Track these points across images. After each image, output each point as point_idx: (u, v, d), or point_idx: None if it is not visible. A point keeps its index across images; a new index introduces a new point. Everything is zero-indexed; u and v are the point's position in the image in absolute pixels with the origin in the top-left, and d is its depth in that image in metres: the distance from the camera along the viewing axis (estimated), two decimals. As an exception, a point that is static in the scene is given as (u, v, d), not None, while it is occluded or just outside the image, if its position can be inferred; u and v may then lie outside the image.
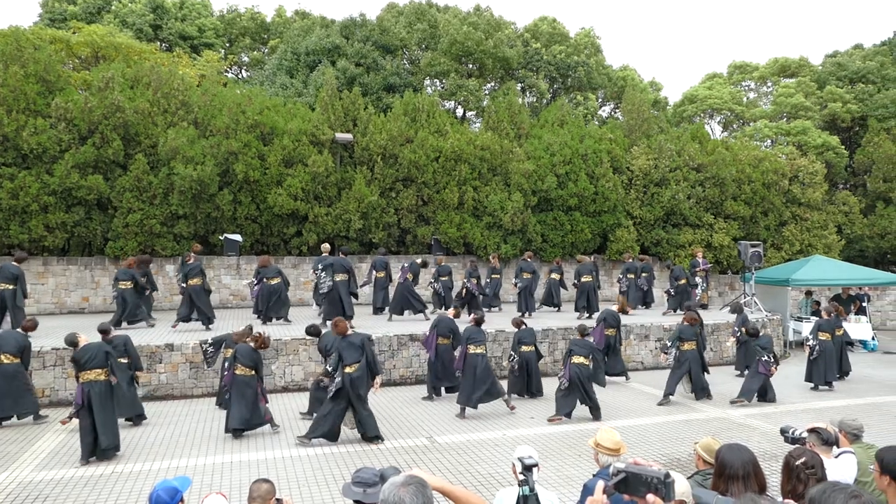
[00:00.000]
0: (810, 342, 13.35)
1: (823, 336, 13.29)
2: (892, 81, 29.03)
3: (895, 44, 32.36)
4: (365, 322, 14.56)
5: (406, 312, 15.33)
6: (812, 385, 13.28)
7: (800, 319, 18.94)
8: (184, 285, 13.35)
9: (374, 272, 15.82)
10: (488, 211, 19.11)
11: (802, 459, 3.71)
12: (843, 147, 27.22)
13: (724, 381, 13.26)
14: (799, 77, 30.87)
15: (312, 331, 10.72)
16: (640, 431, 9.82)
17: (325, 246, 15.15)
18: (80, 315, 15.73)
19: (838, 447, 4.68)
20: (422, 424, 10.08)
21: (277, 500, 4.38)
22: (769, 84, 33.03)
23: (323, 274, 13.73)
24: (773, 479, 5.08)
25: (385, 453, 8.63)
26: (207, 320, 13.34)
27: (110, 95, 16.33)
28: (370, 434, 9.00)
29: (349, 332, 9.38)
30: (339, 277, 13.67)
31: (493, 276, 17.05)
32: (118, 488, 7.31)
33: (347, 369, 8.82)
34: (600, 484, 2.11)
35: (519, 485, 3.66)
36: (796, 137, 26.90)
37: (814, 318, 17.73)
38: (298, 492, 7.21)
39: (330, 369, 9.00)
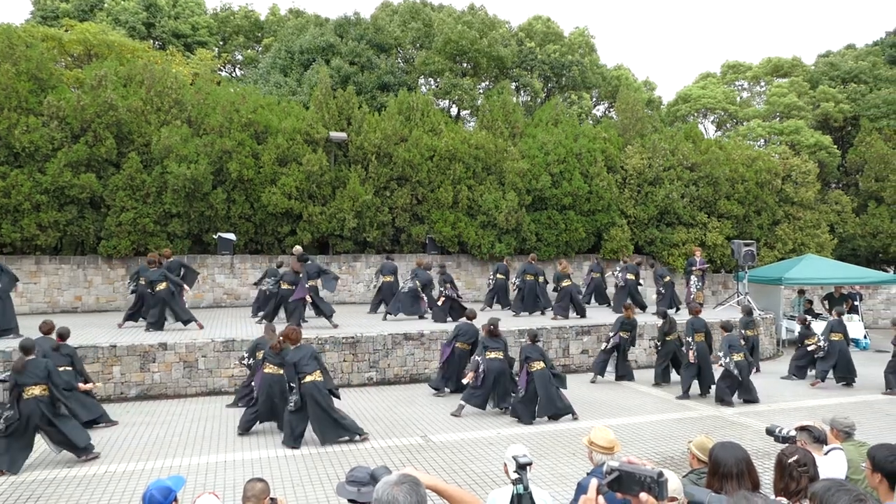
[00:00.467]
0: (821, 342, 13.67)
1: (835, 336, 13.60)
2: (884, 81, 29.19)
3: (887, 44, 32.55)
4: (357, 321, 14.55)
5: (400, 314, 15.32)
6: (811, 381, 13.54)
7: (793, 318, 19.02)
8: (150, 291, 12.99)
9: (381, 276, 15.82)
10: (483, 210, 19.12)
11: (795, 457, 3.73)
12: (835, 147, 27.35)
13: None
14: (792, 77, 30.99)
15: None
16: (634, 430, 9.84)
17: (298, 248, 15.00)
18: (72, 314, 15.65)
19: (827, 444, 4.71)
20: (416, 423, 10.08)
21: (272, 499, 4.37)
22: (762, 84, 33.14)
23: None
24: (766, 477, 5.10)
25: (380, 452, 8.62)
26: (186, 321, 13.11)
27: (103, 93, 16.25)
28: (358, 433, 8.99)
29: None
30: (311, 283, 13.71)
31: (498, 275, 17.08)
32: (111, 488, 7.28)
33: (308, 378, 8.69)
34: (594, 482, 2.11)
35: (513, 483, 3.68)
36: (789, 137, 27.02)
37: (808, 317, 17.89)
38: (293, 491, 7.20)
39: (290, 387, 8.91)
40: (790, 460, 3.72)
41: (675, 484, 3.30)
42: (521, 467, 3.65)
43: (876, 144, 25.62)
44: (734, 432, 9.64)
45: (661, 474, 2.01)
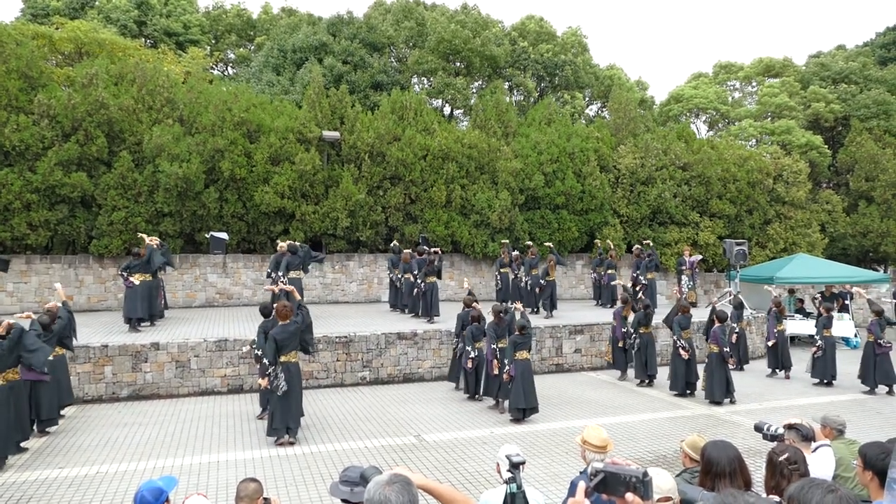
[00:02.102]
0: (818, 342, 13.71)
1: (828, 333, 13.72)
2: (874, 82, 29.40)
3: (877, 45, 32.80)
4: (351, 320, 14.53)
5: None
6: (816, 381, 13.63)
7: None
8: (124, 275, 12.94)
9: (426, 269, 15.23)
10: (476, 209, 19.12)
11: (786, 455, 3.75)
12: (826, 146, 27.53)
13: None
14: (783, 77, 31.16)
15: (264, 310, 10.28)
16: (627, 428, 9.88)
17: (282, 245, 14.93)
18: (63, 314, 15.53)
19: (815, 441, 4.74)
20: (410, 423, 10.08)
21: (265, 499, 4.36)
22: (754, 84, 33.31)
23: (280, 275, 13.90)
24: (758, 476, 5.13)
25: (374, 452, 8.62)
26: (141, 321, 12.91)
27: (94, 92, 16.14)
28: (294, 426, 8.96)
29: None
30: (293, 274, 13.81)
31: (501, 270, 17.13)
32: (103, 489, 7.25)
33: (283, 357, 8.74)
34: (581, 485, 2.12)
35: (507, 482, 3.68)
36: (780, 137, 27.17)
37: (798, 315, 18.00)
38: (286, 491, 7.19)
39: (266, 363, 8.66)
40: (781, 458, 3.75)
41: (668, 483, 3.31)
42: (515, 466, 3.66)
43: (866, 144, 25.80)
44: (726, 431, 9.69)
45: (645, 474, 2.01)
